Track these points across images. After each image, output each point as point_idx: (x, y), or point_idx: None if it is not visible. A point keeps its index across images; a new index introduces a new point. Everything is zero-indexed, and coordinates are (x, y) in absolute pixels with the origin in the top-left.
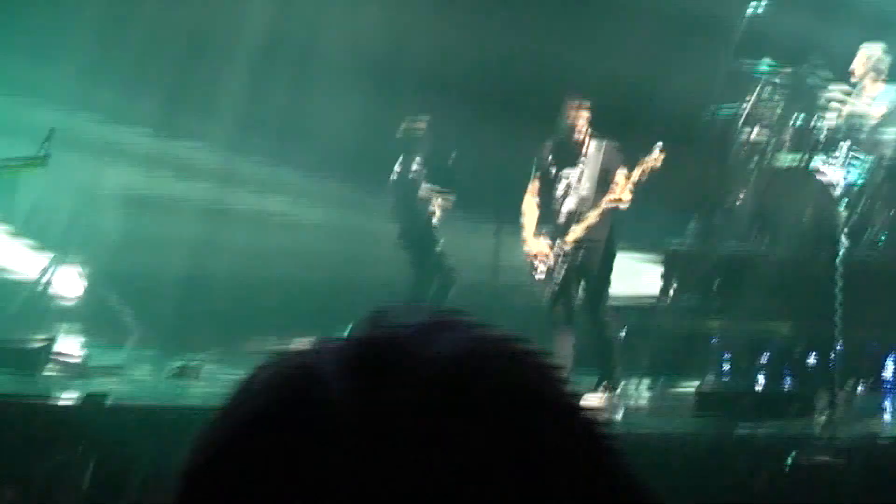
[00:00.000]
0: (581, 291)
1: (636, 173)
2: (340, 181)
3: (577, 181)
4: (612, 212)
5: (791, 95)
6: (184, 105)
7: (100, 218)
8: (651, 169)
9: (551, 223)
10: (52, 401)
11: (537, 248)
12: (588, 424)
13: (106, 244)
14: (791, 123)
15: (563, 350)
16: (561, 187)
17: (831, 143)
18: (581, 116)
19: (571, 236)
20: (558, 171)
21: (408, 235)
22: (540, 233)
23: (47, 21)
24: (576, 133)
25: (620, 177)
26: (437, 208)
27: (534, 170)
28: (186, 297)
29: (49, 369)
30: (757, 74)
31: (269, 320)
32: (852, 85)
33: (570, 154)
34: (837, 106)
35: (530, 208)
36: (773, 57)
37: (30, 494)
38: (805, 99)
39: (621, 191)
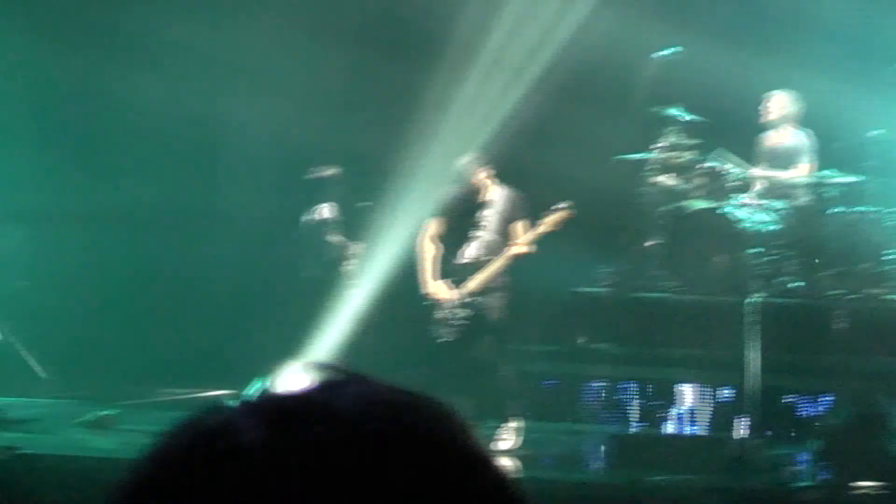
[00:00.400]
0: (483, 337)
1: (540, 228)
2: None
3: (479, 229)
4: (514, 261)
5: (701, 142)
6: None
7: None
8: (557, 222)
9: (450, 269)
10: None
11: (439, 292)
12: (491, 473)
13: (10, 296)
14: (702, 169)
15: (467, 396)
16: (464, 233)
17: (742, 188)
18: (478, 173)
19: (473, 283)
20: (460, 217)
21: (315, 281)
22: (439, 277)
23: None
24: (475, 185)
25: (523, 228)
26: (349, 253)
27: (433, 213)
28: (99, 347)
29: None
30: (668, 120)
31: (182, 371)
32: (761, 126)
33: (471, 202)
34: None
35: (428, 251)
36: (682, 104)
37: None
38: (716, 146)
39: (524, 243)
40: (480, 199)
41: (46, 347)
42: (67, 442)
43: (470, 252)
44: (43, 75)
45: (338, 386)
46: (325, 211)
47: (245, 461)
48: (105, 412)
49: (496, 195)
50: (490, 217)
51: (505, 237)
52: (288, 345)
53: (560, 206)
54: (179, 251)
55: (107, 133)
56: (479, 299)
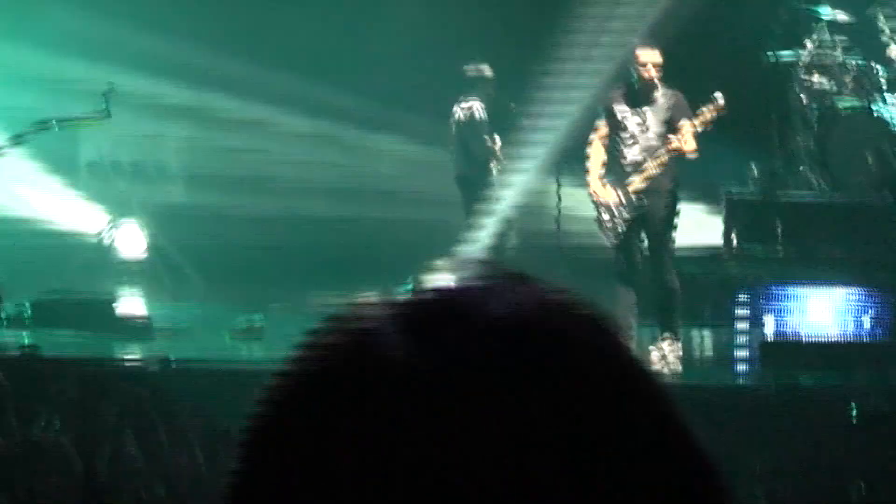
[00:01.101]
0: (645, 239)
1: (699, 122)
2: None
3: (643, 128)
4: (677, 160)
5: (851, 40)
6: (248, 62)
7: (160, 176)
8: (713, 117)
9: (616, 169)
10: (115, 360)
11: (602, 193)
12: (647, 384)
13: (167, 202)
14: (852, 68)
15: (625, 300)
16: (627, 134)
17: (893, 87)
18: (653, 62)
19: (636, 183)
20: (624, 117)
21: (466, 180)
22: (604, 179)
23: None
24: (646, 79)
25: (685, 125)
26: (497, 154)
27: (599, 115)
28: (249, 253)
29: (112, 328)
30: (816, 18)
31: (331, 275)
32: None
33: (637, 101)
34: None
35: (596, 153)
36: (830, 2)
37: (90, 451)
38: (865, 44)
39: (686, 140)
40: (648, 96)
41: (199, 253)
42: (217, 349)
43: (633, 153)
44: None
45: (490, 287)
46: (476, 107)
47: (383, 374)
48: (255, 318)
49: (660, 94)
50: (654, 117)
51: (668, 136)
52: (439, 245)
53: (715, 99)
54: (328, 161)
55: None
56: (643, 200)
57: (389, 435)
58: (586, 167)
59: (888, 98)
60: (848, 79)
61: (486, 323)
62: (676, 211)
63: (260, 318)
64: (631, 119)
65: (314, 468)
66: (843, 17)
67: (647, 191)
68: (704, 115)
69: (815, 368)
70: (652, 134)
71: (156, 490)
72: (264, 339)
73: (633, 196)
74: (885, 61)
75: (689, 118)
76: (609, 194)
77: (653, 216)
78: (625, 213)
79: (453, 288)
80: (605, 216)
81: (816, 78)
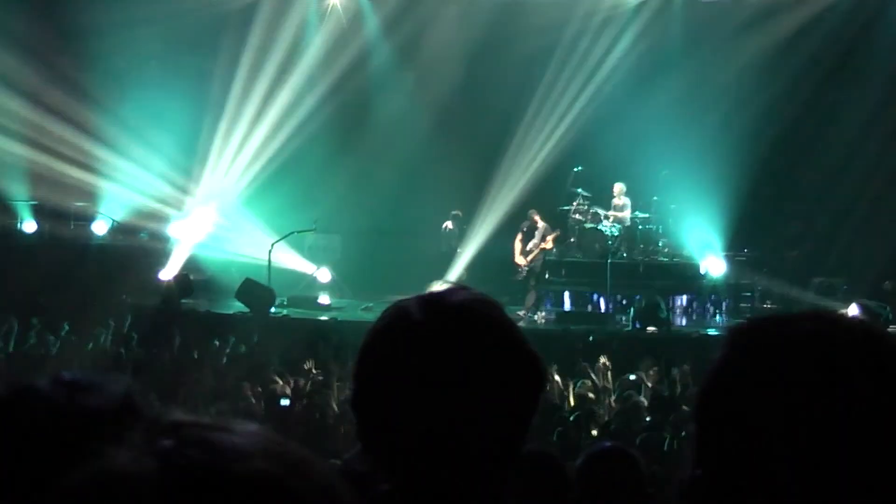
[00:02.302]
0: (533, 280)
1: (550, 238)
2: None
3: (534, 236)
4: (544, 251)
5: (591, 205)
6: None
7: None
8: (555, 240)
9: (524, 250)
10: (315, 320)
11: (518, 260)
12: (524, 342)
13: (334, 253)
14: (590, 211)
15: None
16: (529, 237)
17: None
18: (538, 218)
19: (531, 257)
20: (528, 230)
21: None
22: (519, 254)
23: None
24: (536, 222)
25: (549, 238)
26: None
27: (520, 230)
28: (366, 270)
29: (315, 308)
30: (579, 192)
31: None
32: (610, 198)
33: (532, 226)
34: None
35: (517, 246)
36: (584, 188)
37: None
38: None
39: (547, 244)
40: (536, 226)
41: (347, 275)
42: (355, 318)
43: (530, 245)
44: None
45: (453, 291)
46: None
47: (412, 330)
48: (369, 305)
49: (539, 225)
50: (538, 233)
51: (541, 241)
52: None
53: (556, 230)
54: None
55: None
56: (531, 264)
57: (410, 357)
58: (513, 249)
59: (604, 223)
60: (588, 216)
61: (450, 304)
62: (545, 270)
63: (371, 305)
64: (530, 232)
65: (394, 366)
66: (586, 193)
67: (533, 261)
68: (552, 235)
69: None
70: (537, 239)
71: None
72: (374, 313)
73: (528, 261)
74: (608, 207)
75: (549, 236)
76: (520, 260)
77: (535, 271)
78: (525, 268)
79: (444, 290)
80: (519, 269)
81: (577, 215)
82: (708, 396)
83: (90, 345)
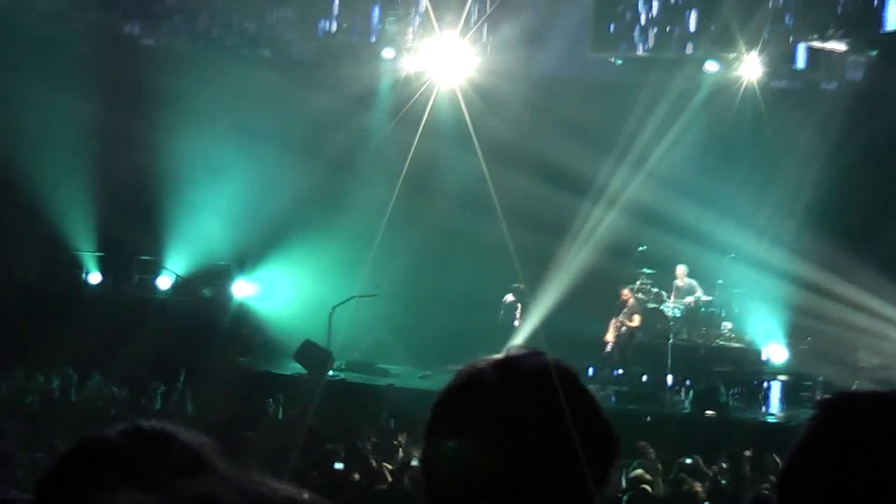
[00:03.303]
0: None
1: (637, 317)
2: None
3: (620, 314)
4: (630, 329)
5: (653, 285)
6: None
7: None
8: (639, 321)
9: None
10: (372, 385)
11: (608, 338)
12: (591, 404)
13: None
14: (653, 291)
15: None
16: (617, 314)
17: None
18: (628, 294)
19: (613, 335)
20: (616, 309)
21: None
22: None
23: None
24: (625, 299)
25: (634, 317)
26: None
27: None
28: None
29: (374, 371)
30: (643, 272)
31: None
32: (674, 279)
33: (620, 305)
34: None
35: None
36: (648, 267)
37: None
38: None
39: (633, 321)
40: (623, 303)
41: (403, 338)
42: (413, 384)
43: (615, 322)
44: None
45: (529, 355)
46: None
47: (483, 387)
48: (426, 373)
49: (629, 301)
50: (626, 310)
51: (627, 319)
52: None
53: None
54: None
55: None
56: (618, 341)
57: (491, 409)
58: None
59: (667, 303)
60: (651, 296)
61: (525, 369)
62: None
63: (428, 373)
64: (618, 309)
65: (465, 419)
66: (650, 271)
67: (620, 338)
68: (636, 318)
69: None
70: (623, 316)
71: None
72: (432, 381)
73: (613, 338)
74: (670, 289)
75: (637, 315)
76: (608, 337)
77: (621, 347)
78: (611, 344)
79: (514, 354)
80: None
81: (640, 295)
82: (796, 470)
83: (144, 399)
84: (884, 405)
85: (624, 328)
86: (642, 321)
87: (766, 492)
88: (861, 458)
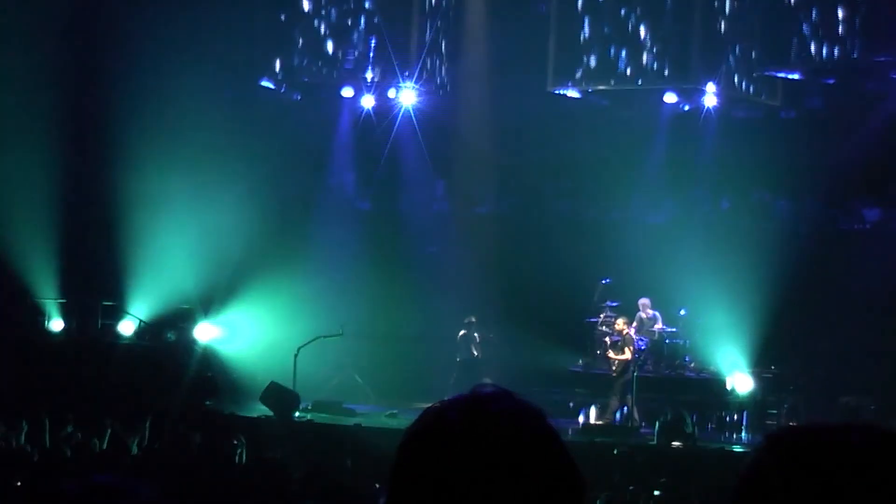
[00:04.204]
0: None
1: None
2: None
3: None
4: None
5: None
6: None
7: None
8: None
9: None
10: (339, 426)
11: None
12: (558, 450)
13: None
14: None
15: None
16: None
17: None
18: (622, 325)
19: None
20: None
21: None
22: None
23: None
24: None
25: (626, 350)
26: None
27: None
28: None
29: (341, 411)
30: (606, 305)
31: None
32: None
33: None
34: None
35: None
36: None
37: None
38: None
39: (625, 354)
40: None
41: (367, 376)
42: (380, 423)
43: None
44: None
45: (497, 398)
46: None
47: (451, 437)
48: (393, 411)
49: (624, 332)
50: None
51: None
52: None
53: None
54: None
55: None
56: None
57: (460, 453)
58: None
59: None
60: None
61: (493, 413)
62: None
63: (395, 411)
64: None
65: (436, 465)
66: (613, 304)
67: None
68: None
69: None
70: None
71: None
72: (399, 420)
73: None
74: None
75: (628, 348)
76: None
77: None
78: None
79: (482, 394)
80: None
81: (604, 328)
82: (743, 501)
83: (109, 445)
84: (826, 441)
85: (616, 362)
86: (605, 354)
87: None
88: (793, 496)
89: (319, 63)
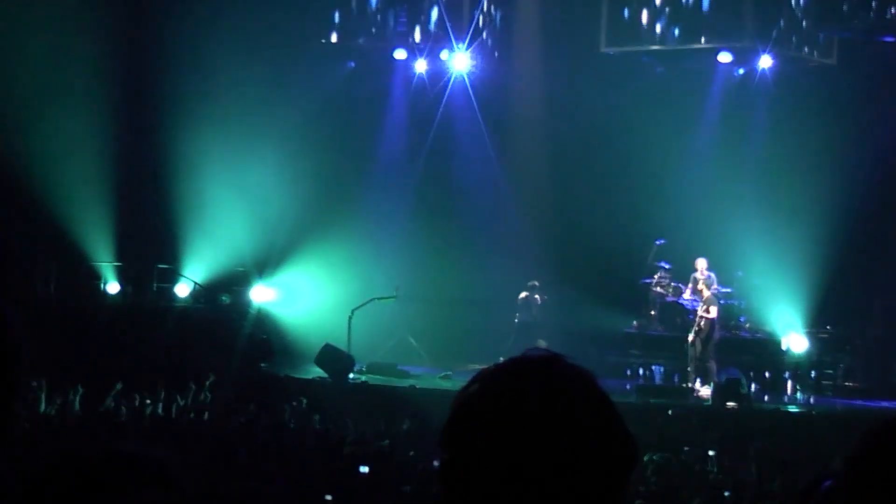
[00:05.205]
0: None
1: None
2: None
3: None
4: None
5: (672, 278)
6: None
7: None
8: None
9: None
10: (393, 387)
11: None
12: (611, 412)
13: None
14: (672, 284)
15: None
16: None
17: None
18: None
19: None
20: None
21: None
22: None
23: None
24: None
25: (710, 309)
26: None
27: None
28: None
29: (395, 373)
30: (661, 266)
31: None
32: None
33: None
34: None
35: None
36: (666, 261)
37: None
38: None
39: (710, 313)
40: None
41: (422, 339)
42: (434, 384)
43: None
44: None
45: (549, 361)
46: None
47: (502, 393)
48: (447, 373)
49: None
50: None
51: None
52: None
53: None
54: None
55: None
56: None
57: (511, 416)
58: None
59: (685, 297)
60: (670, 290)
61: (546, 376)
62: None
63: (449, 373)
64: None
65: (492, 420)
66: (667, 266)
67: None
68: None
69: None
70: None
71: None
72: (453, 381)
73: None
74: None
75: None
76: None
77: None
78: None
79: (533, 357)
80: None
81: (659, 289)
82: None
83: (161, 408)
84: None
85: (703, 321)
86: (660, 315)
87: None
88: None
89: (373, 29)
